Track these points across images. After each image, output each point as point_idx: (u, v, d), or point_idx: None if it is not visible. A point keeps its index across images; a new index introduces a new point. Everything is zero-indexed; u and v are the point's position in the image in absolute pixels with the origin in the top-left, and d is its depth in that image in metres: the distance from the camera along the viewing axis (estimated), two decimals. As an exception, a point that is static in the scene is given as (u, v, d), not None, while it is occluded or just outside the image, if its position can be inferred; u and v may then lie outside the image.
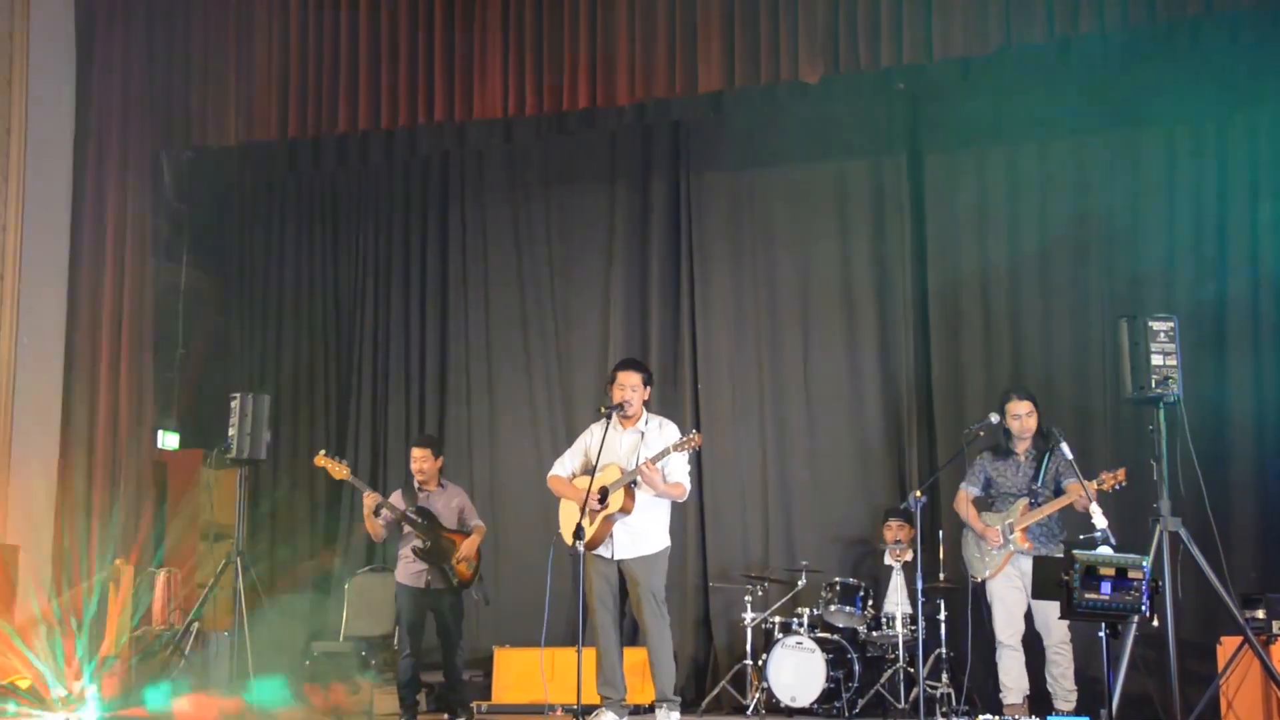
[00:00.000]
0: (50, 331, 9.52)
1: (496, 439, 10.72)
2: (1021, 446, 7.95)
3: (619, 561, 7.40)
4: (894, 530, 9.15)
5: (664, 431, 7.53)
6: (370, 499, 8.38)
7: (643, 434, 7.49)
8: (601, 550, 7.38)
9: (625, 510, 7.32)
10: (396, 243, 11.28)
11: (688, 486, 7.54)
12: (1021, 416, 7.90)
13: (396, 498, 8.57)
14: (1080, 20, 7.92)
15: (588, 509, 7.16)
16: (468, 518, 8.66)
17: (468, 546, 8.46)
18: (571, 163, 10.90)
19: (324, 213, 11.54)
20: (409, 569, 8.44)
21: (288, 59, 9.46)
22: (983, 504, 8.08)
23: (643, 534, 7.42)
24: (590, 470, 7.40)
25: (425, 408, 10.99)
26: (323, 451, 8.71)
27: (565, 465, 7.64)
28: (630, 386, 7.46)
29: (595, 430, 7.57)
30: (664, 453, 7.29)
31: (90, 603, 8.81)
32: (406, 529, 8.41)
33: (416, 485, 8.61)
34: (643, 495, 7.38)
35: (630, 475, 7.30)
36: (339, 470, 8.52)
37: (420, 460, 8.58)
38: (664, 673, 7.34)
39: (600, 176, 10.80)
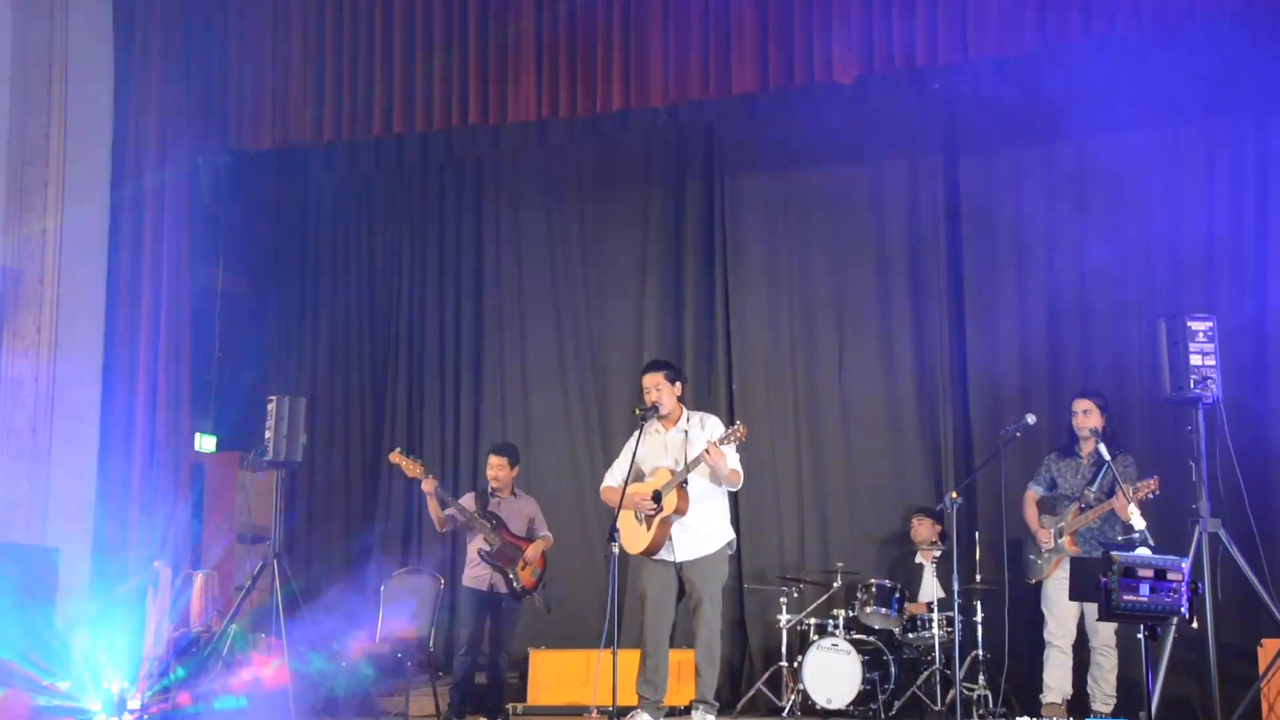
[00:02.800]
0: (89, 334, 9.58)
1: (531, 442, 10.72)
2: (1085, 449, 7.98)
3: (680, 564, 7.39)
4: (916, 528, 9.17)
5: (707, 426, 7.52)
6: (429, 484, 8.60)
7: (686, 432, 7.48)
8: (663, 554, 7.36)
9: (680, 511, 7.30)
10: (431, 246, 11.32)
11: (741, 473, 7.53)
12: (1078, 414, 7.95)
13: (469, 500, 8.72)
14: (1117, 19, 7.87)
15: (644, 515, 7.18)
16: (536, 528, 8.77)
17: (532, 550, 8.57)
18: (605, 165, 10.90)
19: (359, 216, 11.59)
20: (473, 572, 8.61)
21: (323, 63, 9.50)
22: (1047, 505, 8.10)
23: (703, 533, 7.42)
24: (639, 476, 7.40)
25: (460, 410, 11.02)
26: (398, 449, 8.92)
27: (616, 475, 7.61)
28: (654, 386, 7.46)
29: (643, 436, 7.56)
30: (722, 439, 7.29)
31: (129, 605, 8.86)
32: (475, 532, 8.53)
33: (490, 491, 8.74)
34: (696, 491, 7.35)
35: (682, 474, 7.27)
36: (413, 468, 8.67)
37: (497, 468, 8.78)
38: (709, 675, 7.34)
39: (634, 179, 10.80)
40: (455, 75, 9.19)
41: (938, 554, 8.92)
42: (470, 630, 8.62)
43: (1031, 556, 8.07)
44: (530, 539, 8.69)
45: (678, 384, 7.60)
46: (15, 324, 9.37)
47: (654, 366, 7.67)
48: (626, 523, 7.36)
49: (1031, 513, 8.14)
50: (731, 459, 7.42)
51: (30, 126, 9.46)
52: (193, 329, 10.02)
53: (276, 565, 8.30)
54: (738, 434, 7.35)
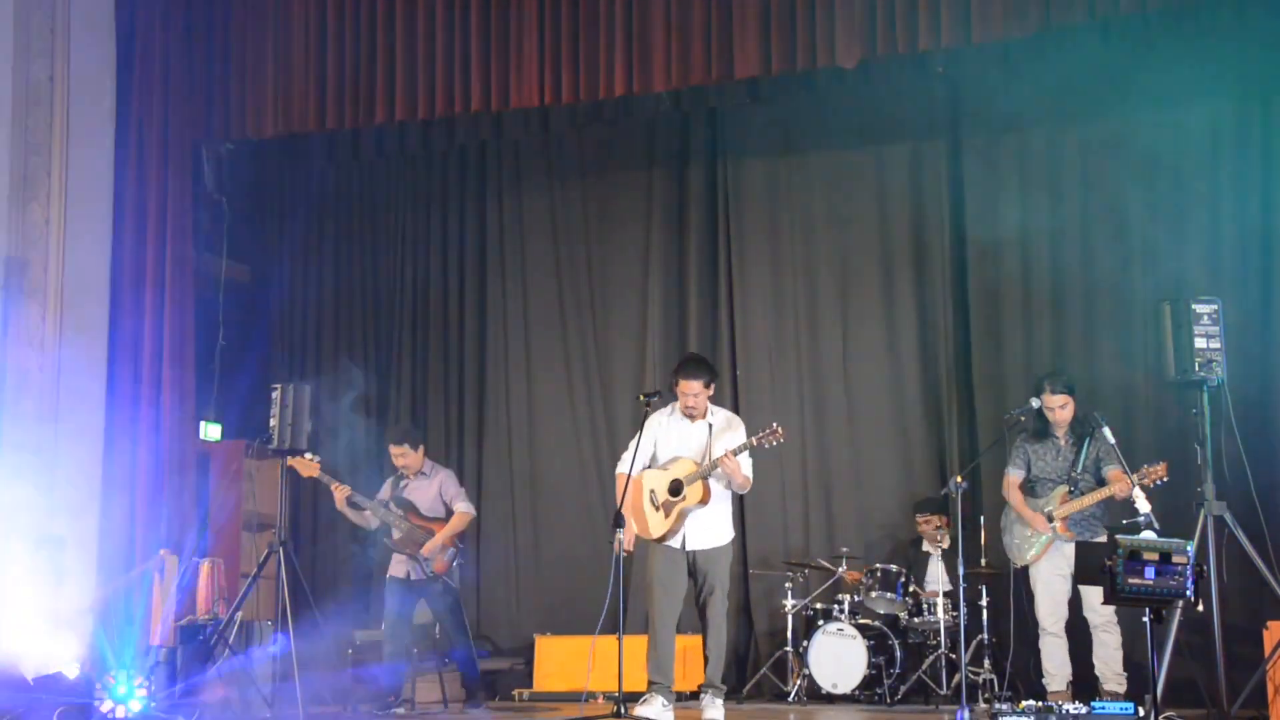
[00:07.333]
0: (94, 323, 9.58)
1: (535, 428, 10.73)
2: (1060, 430, 7.92)
3: (691, 552, 7.39)
4: (921, 525, 9.15)
5: (732, 424, 7.50)
6: (340, 492, 8.51)
7: (710, 426, 7.45)
8: (672, 542, 7.36)
9: (703, 502, 7.30)
10: (434, 233, 11.30)
11: (751, 480, 7.51)
12: (1055, 409, 7.86)
13: (387, 488, 8.68)
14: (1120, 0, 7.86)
15: (662, 502, 7.20)
16: (452, 503, 8.67)
17: (432, 543, 8.51)
18: (608, 151, 10.89)
19: (362, 204, 11.56)
20: (395, 559, 8.57)
21: (325, 51, 9.49)
22: (1026, 488, 8.04)
23: (714, 526, 7.41)
24: (655, 462, 7.41)
25: (464, 397, 11.01)
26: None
27: (632, 462, 7.46)
28: (692, 394, 7.37)
29: (663, 422, 7.53)
30: (745, 446, 7.26)
31: (135, 593, 8.87)
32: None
33: (398, 476, 8.71)
34: (714, 487, 7.36)
35: (709, 468, 7.27)
36: (308, 467, 8.55)
37: (398, 457, 8.68)
38: (718, 660, 7.37)
39: (637, 164, 10.78)
40: (457, 61, 9.17)
41: (945, 544, 8.90)
42: (389, 619, 8.60)
43: (1017, 541, 7.99)
44: (444, 518, 8.61)
45: (712, 386, 7.55)
46: (20, 313, 9.36)
47: (693, 375, 7.40)
48: (642, 506, 7.37)
49: (1017, 496, 8.02)
50: (746, 466, 7.37)
51: (33, 116, 9.45)
52: (196, 317, 10.02)
53: (283, 553, 8.30)
54: (776, 435, 7.29)
